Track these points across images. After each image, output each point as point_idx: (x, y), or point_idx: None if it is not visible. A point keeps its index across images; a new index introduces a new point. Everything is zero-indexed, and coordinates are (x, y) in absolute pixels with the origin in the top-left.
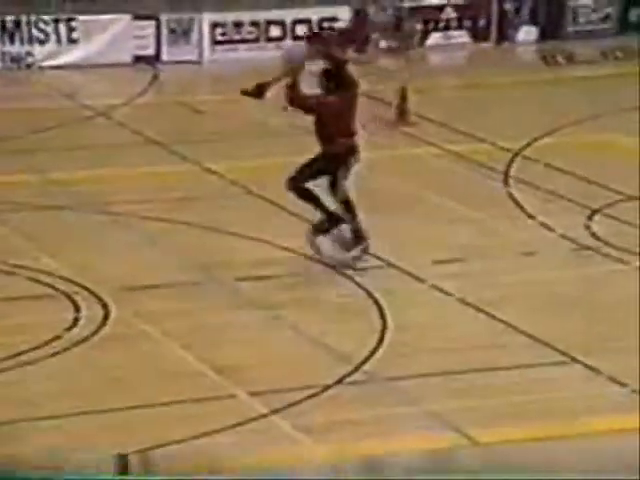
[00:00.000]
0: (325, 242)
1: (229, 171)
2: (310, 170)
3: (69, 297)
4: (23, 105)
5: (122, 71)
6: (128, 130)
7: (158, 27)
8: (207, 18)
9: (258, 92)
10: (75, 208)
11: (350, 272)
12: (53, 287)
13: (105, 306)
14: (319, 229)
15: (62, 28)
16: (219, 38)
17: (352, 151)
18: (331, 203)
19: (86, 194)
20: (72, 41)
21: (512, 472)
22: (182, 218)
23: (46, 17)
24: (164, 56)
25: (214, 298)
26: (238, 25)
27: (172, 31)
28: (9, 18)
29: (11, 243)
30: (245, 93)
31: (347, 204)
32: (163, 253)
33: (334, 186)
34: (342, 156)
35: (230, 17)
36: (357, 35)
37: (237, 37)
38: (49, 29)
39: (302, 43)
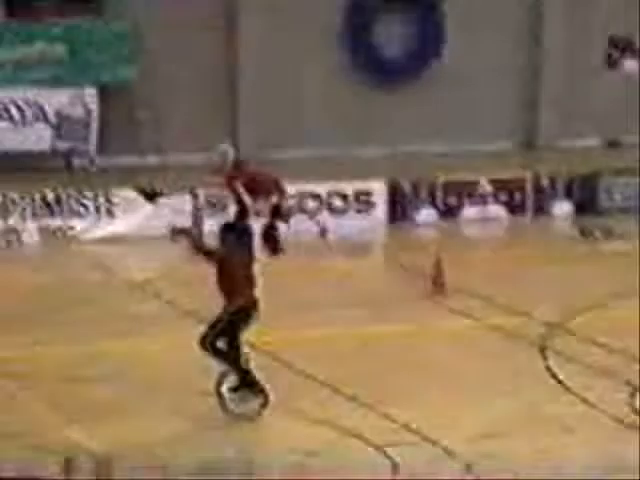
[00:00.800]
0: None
1: (261, 342)
2: (218, 327)
3: None
4: (61, 277)
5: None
6: (163, 302)
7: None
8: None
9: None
10: (110, 379)
11: (383, 446)
12: None
13: None
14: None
15: (101, 202)
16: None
17: (254, 305)
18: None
19: (122, 365)
20: (111, 214)
21: None
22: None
23: (86, 192)
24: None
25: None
26: None
27: (210, 204)
28: (49, 193)
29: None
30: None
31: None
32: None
33: (234, 340)
34: (246, 309)
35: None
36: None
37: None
38: (89, 203)
39: None
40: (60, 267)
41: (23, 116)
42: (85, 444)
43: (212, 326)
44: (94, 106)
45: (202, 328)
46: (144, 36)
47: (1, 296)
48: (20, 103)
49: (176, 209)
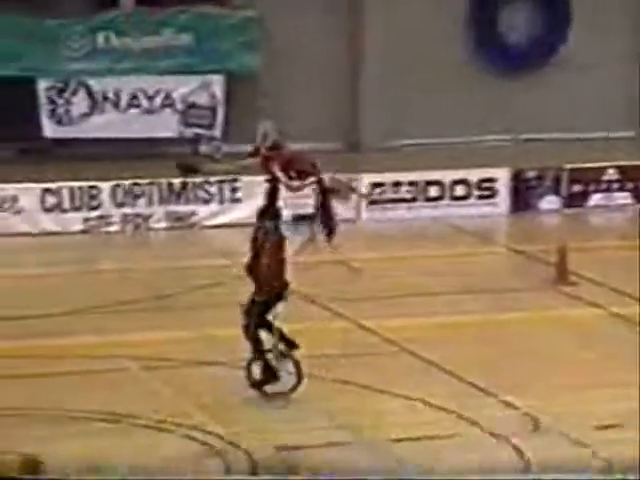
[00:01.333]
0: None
1: (383, 329)
2: (255, 312)
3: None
4: (184, 263)
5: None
6: None
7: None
8: (366, 178)
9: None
10: (230, 364)
11: (507, 434)
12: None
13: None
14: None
15: (226, 188)
16: (377, 197)
17: (286, 286)
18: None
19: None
20: (235, 201)
21: None
22: (336, 376)
23: (212, 179)
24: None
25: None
26: (397, 185)
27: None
28: (176, 179)
29: (166, 399)
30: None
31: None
32: (313, 412)
33: (262, 318)
34: (279, 291)
35: (389, 177)
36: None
37: (395, 197)
38: (213, 190)
39: None
40: (184, 253)
41: (151, 104)
42: (211, 427)
43: (249, 313)
44: (220, 94)
45: (325, 313)
46: (269, 24)
47: (128, 280)
48: (148, 91)
49: (298, 194)
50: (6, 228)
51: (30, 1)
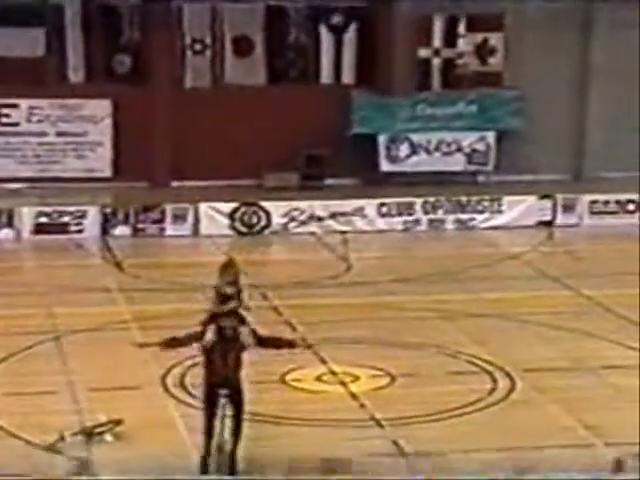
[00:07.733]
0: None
1: (605, 297)
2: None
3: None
4: (467, 252)
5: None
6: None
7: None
8: (586, 199)
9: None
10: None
11: None
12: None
13: (512, 380)
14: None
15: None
16: (594, 209)
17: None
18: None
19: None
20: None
21: None
22: (570, 325)
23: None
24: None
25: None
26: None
27: (564, 207)
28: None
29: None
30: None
31: None
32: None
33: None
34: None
35: (602, 197)
36: None
37: (605, 209)
38: None
39: None
40: (466, 246)
41: (448, 148)
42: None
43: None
44: (493, 143)
45: (552, 284)
46: (530, 98)
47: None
48: (447, 141)
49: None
50: None
51: (375, 85)
